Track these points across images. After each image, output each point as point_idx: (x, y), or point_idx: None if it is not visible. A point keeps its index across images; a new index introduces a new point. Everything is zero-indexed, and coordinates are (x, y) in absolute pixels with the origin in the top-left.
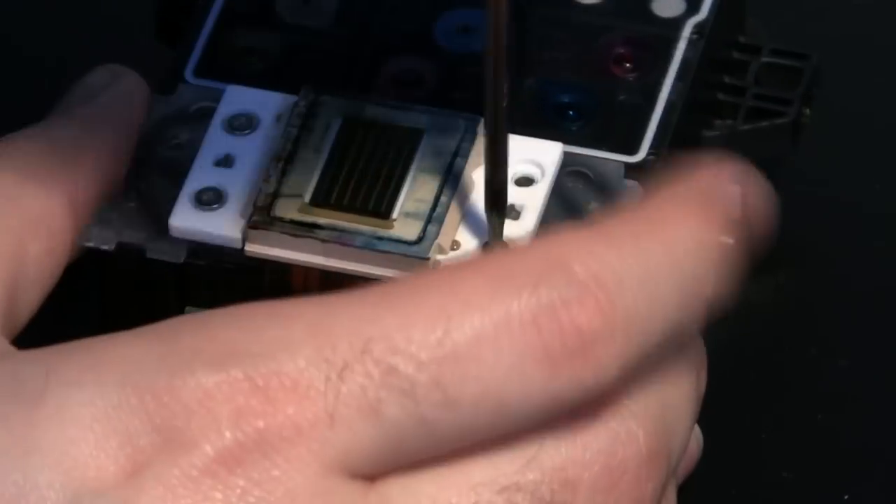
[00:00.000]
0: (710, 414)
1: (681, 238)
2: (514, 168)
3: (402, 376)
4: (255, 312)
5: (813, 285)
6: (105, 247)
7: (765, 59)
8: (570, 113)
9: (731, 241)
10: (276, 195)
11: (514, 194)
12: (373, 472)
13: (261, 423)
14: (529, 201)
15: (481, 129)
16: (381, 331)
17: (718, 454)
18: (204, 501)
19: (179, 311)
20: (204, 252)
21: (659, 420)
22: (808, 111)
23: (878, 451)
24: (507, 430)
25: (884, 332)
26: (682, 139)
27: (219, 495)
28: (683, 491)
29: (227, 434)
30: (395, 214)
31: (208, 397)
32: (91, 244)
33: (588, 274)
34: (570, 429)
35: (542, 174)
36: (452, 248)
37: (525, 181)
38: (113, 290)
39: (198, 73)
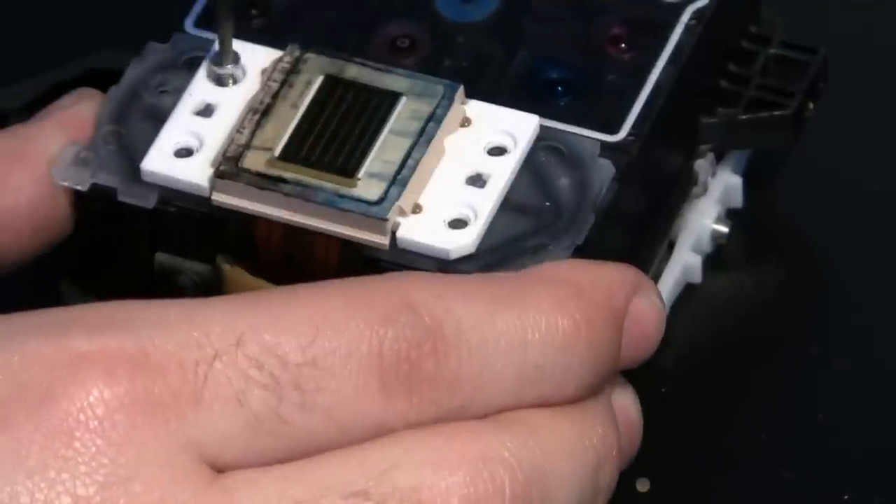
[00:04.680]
0: (710, 414)
1: (534, 319)
2: (488, 138)
3: (268, 373)
4: (136, 301)
5: (813, 285)
6: (79, 187)
7: (773, 51)
8: (559, 89)
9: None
10: (246, 147)
11: (485, 163)
12: (224, 463)
13: (126, 388)
14: (498, 171)
15: (459, 97)
16: (254, 329)
17: (719, 454)
18: (55, 458)
19: (151, 255)
20: (174, 199)
21: (534, 476)
22: (811, 105)
23: (878, 451)
24: (350, 443)
25: (883, 331)
26: (673, 123)
27: (70, 452)
28: (684, 490)
29: (92, 394)
30: (360, 174)
31: (78, 359)
32: (66, 183)
33: (432, 319)
34: (433, 456)
35: (515, 145)
36: (414, 212)
37: (497, 151)
38: (87, 229)
39: (198, 23)
